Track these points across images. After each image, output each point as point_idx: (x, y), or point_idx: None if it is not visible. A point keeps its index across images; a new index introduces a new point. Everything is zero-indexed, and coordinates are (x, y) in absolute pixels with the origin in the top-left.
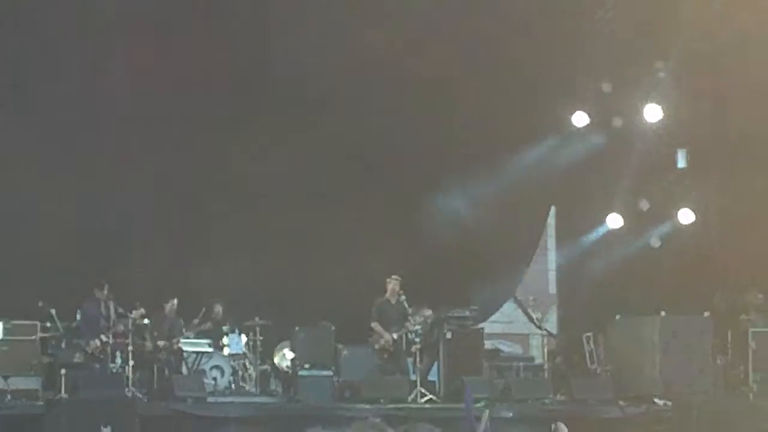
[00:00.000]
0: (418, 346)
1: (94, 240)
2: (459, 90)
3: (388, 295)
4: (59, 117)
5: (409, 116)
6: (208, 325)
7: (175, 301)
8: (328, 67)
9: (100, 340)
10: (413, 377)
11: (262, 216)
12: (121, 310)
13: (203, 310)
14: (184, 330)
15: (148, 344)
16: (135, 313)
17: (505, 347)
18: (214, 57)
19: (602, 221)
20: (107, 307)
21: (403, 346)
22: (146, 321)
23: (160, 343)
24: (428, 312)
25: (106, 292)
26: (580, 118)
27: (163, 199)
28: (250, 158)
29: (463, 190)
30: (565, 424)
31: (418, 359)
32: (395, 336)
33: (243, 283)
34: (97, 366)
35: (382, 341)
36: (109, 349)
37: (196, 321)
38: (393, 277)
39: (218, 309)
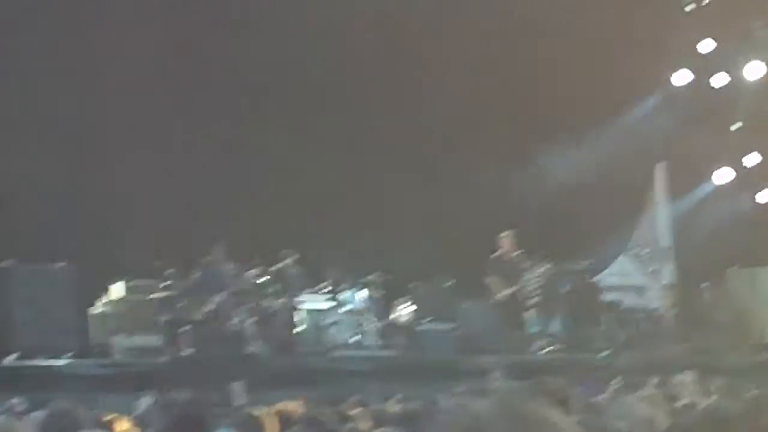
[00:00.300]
0: (537, 299)
1: (213, 198)
2: (565, 50)
3: (503, 250)
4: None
5: (521, 72)
6: (327, 282)
7: (296, 256)
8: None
9: (219, 298)
10: (533, 330)
11: (379, 169)
12: (240, 267)
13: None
14: (304, 287)
15: (268, 300)
16: (254, 270)
17: (632, 300)
18: None
19: (711, 176)
20: (226, 265)
21: (521, 299)
22: (266, 277)
23: (281, 299)
24: (546, 266)
25: (224, 249)
26: (682, 77)
27: (280, 157)
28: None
29: (575, 145)
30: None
31: (537, 312)
32: (511, 291)
33: (363, 238)
34: (218, 323)
35: (499, 295)
36: (228, 306)
37: (322, 283)
38: (507, 232)
39: (340, 267)
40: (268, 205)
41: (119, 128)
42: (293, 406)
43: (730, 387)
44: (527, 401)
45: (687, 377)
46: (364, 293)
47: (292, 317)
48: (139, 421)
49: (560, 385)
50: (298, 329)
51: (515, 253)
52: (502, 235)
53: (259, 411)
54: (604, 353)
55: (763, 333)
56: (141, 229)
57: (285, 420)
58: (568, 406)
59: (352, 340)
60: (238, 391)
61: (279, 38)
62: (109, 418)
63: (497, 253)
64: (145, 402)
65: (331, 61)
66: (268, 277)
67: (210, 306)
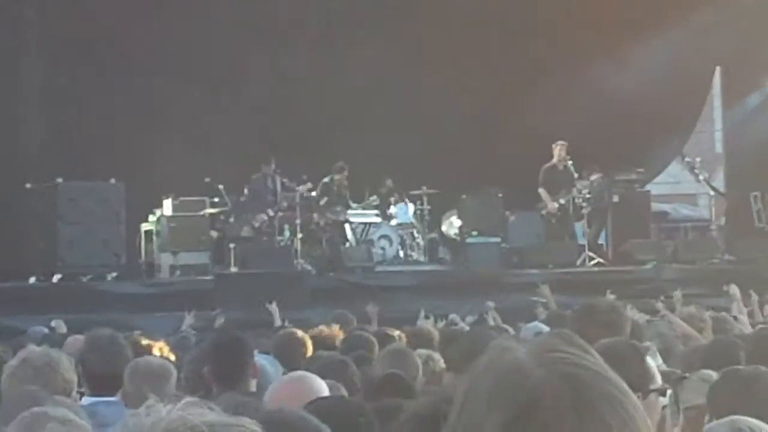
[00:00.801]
0: (587, 209)
1: (261, 115)
2: None
3: (554, 160)
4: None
5: None
6: (375, 199)
7: (346, 172)
8: None
9: (267, 215)
10: (582, 241)
11: (426, 85)
12: (288, 184)
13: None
14: (351, 202)
15: (316, 216)
16: (302, 187)
17: (681, 209)
18: None
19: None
20: (274, 182)
21: (570, 210)
22: (314, 193)
23: (329, 214)
24: (596, 175)
25: (273, 166)
26: None
27: (330, 77)
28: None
29: (628, 54)
30: (737, 285)
31: (586, 223)
32: (562, 201)
33: (410, 152)
34: (265, 239)
35: (549, 206)
36: (276, 223)
37: (370, 198)
38: (559, 142)
39: (388, 182)
40: (313, 121)
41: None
42: (330, 330)
43: None
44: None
45: (733, 290)
46: (412, 207)
47: (340, 232)
48: (175, 345)
49: (609, 305)
50: (347, 244)
51: (567, 163)
52: (553, 144)
53: (299, 332)
54: (650, 265)
55: None
56: (190, 147)
57: (323, 342)
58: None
59: (399, 254)
60: (274, 311)
61: None
62: (145, 342)
63: (549, 164)
64: (187, 322)
65: None
66: (316, 192)
67: (258, 222)
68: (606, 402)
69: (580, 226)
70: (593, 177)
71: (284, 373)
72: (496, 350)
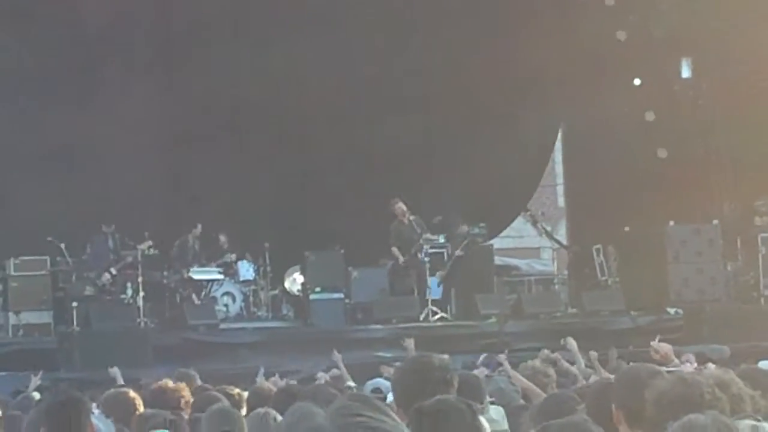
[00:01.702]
0: (428, 266)
1: (99, 174)
2: None
3: (398, 216)
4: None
5: None
6: (226, 256)
7: (200, 227)
8: None
9: (110, 273)
10: (436, 296)
11: (270, 141)
12: (130, 242)
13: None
14: (203, 260)
15: (158, 274)
16: (143, 245)
17: (534, 264)
18: None
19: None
20: (114, 240)
21: (426, 265)
22: (156, 251)
23: (172, 271)
24: (464, 228)
25: (113, 226)
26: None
27: (164, 131)
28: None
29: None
30: (576, 337)
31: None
32: (406, 257)
33: (252, 209)
34: (109, 298)
35: (393, 263)
36: (119, 281)
37: (223, 259)
38: (393, 200)
39: (223, 239)
40: (164, 181)
41: None
42: (174, 385)
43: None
44: (362, 411)
45: (572, 344)
46: (255, 263)
47: (183, 289)
48: (17, 406)
49: (445, 362)
50: (190, 301)
51: (410, 218)
52: (391, 201)
53: (130, 391)
54: (493, 319)
55: (652, 294)
56: (32, 207)
57: (166, 397)
58: (452, 386)
59: (242, 311)
60: (116, 374)
61: None
62: None
63: (395, 221)
64: (33, 383)
65: None
66: (157, 251)
67: (102, 281)
68: None
69: (423, 282)
70: (436, 235)
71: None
72: (297, 415)
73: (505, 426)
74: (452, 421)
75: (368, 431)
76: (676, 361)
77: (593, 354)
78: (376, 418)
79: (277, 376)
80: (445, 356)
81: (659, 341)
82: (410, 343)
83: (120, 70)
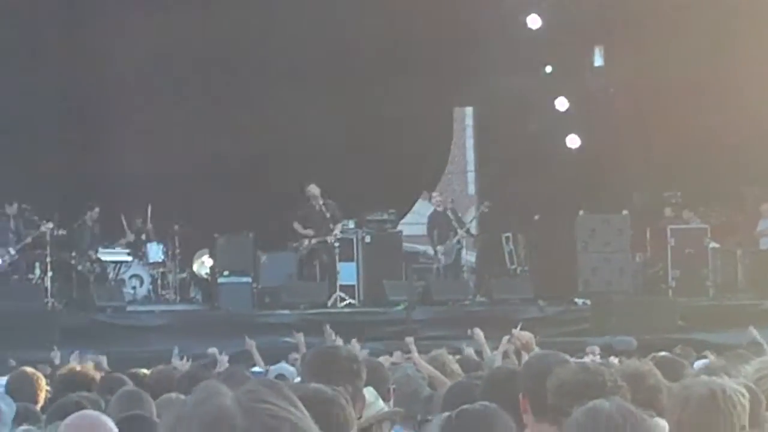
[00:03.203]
0: (337, 251)
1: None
2: None
3: (310, 200)
4: None
5: None
6: (129, 237)
7: (97, 209)
8: None
9: (8, 253)
10: (346, 282)
11: (179, 124)
12: (35, 219)
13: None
14: (102, 239)
15: (67, 254)
16: (46, 225)
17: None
18: None
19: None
20: (17, 221)
21: (321, 251)
22: (63, 231)
23: (83, 252)
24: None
25: (15, 207)
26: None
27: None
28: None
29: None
30: (484, 325)
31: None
32: (313, 241)
33: (161, 191)
34: (15, 278)
35: (302, 247)
36: (23, 261)
37: (122, 240)
38: (308, 184)
39: (138, 221)
40: (72, 157)
41: None
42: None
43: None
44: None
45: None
46: (163, 246)
47: (91, 270)
48: None
49: (352, 352)
50: (97, 282)
51: (322, 203)
52: (309, 186)
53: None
54: (401, 306)
55: (561, 283)
56: None
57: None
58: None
59: (150, 294)
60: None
61: None
62: None
63: (307, 203)
64: None
65: None
66: (66, 230)
67: (5, 259)
68: None
69: (347, 266)
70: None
71: (17, 412)
72: (204, 393)
73: (381, 405)
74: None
75: (273, 419)
76: (537, 350)
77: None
78: (282, 407)
79: (184, 359)
80: (354, 346)
81: (521, 329)
82: (328, 329)
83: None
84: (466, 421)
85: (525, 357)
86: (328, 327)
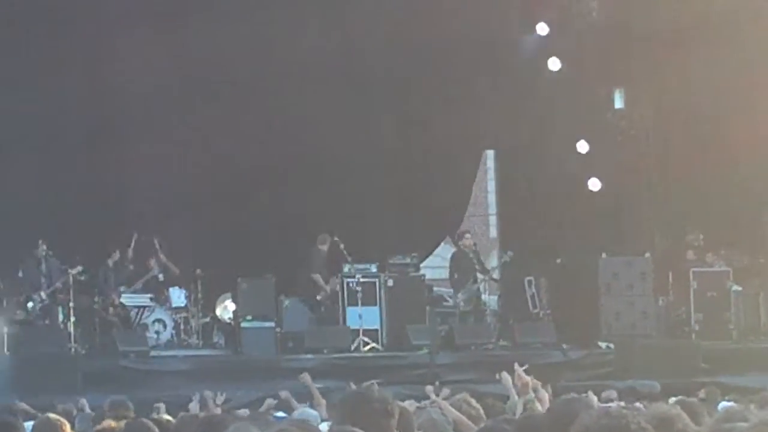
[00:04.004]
0: (360, 295)
1: (29, 197)
2: None
3: (325, 247)
4: None
5: None
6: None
7: (118, 253)
8: None
9: (40, 297)
10: (355, 326)
11: (196, 167)
12: (61, 266)
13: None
14: (126, 283)
15: (89, 300)
16: (74, 270)
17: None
18: None
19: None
20: (47, 263)
21: (344, 296)
22: (85, 276)
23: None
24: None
25: (44, 249)
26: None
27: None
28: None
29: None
30: (508, 370)
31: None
32: (334, 286)
33: (184, 236)
34: (40, 323)
35: (323, 293)
36: (50, 306)
37: (138, 284)
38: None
39: (153, 263)
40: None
41: None
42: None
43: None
44: None
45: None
46: (187, 290)
47: (114, 315)
48: None
49: (383, 394)
50: (120, 328)
51: (339, 247)
52: (320, 237)
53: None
54: (424, 350)
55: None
56: None
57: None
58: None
59: (173, 339)
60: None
61: None
62: None
63: (321, 250)
64: None
65: None
66: (88, 275)
67: (32, 305)
68: None
69: (370, 310)
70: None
71: None
72: None
73: None
74: None
75: None
76: (532, 394)
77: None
78: None
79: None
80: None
81: (524, 370)
82: (306, 377)
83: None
84: None
85: (536, 400)
86: (306, 375)
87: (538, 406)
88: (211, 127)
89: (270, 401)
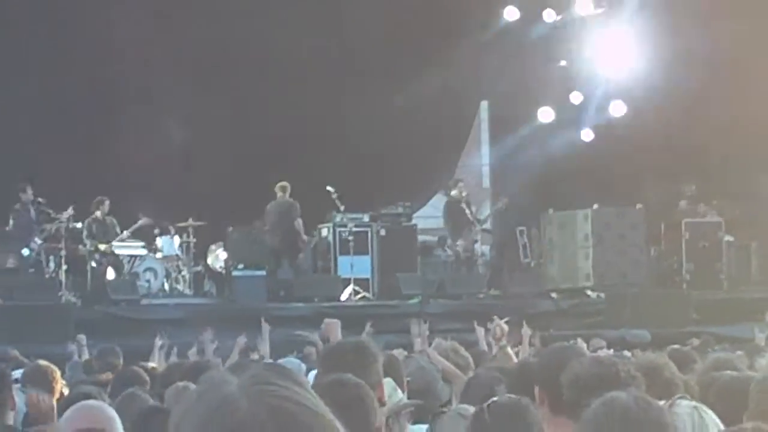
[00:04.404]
0: (351, 244)
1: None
2: None
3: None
4: None
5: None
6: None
7: (107, 201)
8: None
9: (35, 243)
10: (345, 275)
11: (192, 117)
12: (50, 212)
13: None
14: (117, 232)
15: (82, 248)
16: (64, 214)
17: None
18: None
19: (534, 115)
20: (37, 210)
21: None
22: (78, 225)
23: (98, 245)
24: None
25: (30, 194)
26: (510, 13)
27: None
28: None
29: (392, 84)
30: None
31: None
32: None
33: (176, 184)
34: (32, 271)
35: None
36: (42, 254)
37: (125, 233)
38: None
39: (144, 219)
40: (82, 153)
41: None
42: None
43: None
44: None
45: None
46: (177, 240)
47: (105, 264)
48: None
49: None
50: (111, 276)
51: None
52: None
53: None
54: (415, 299)
55: (575, 277)
56: None
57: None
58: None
59: (164, 287)
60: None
61: None
62: None
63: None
64: None
65: None
66: (81, 223)
67: (27, 252)
68: None
69: (361, 260)
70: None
71: None
72: (209, 383)
73: (400, 395)
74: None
75: (278, 400)
76: (504, 341)
77: (527, 330)
78: (287, 388)
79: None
80: (368, 330)
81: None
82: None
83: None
84: (498, 414)
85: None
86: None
87: (512, 355)
88: (204, 84)
89: (240, 339)
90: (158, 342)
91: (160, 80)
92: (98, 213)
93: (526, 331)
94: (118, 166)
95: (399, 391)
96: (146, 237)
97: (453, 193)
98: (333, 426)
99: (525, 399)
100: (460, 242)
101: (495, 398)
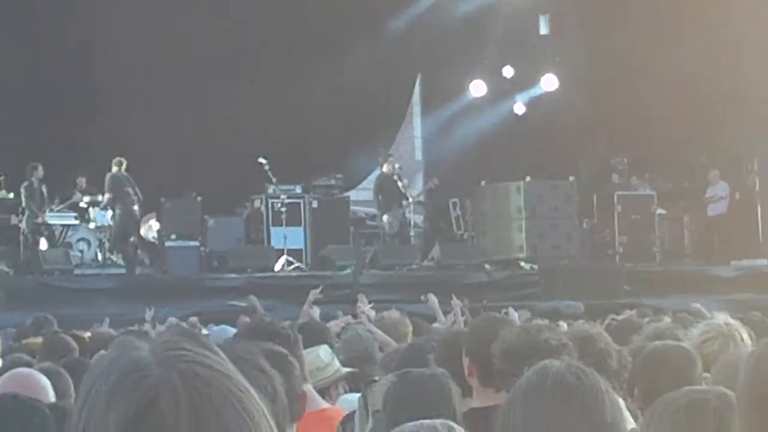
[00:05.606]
0: (284, 216)
1: None
2: None
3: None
4: None
5: None
6: (76, 196)
7: (41, 169)
8: None
9: None
10: (279, 246)
11: (133, 88)
12: None
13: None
14: (52, 201)
15: (14, 218)
16: None
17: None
18: None
19: (466, 88)
20: None
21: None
22: (11, 195)
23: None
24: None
25: None
26: None
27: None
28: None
29: (331, 57)
30: (432, 290)
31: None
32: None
33: (110, 154)
34: None
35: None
36: None
37: (57, 201)
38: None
39: (82, 180)
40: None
41: None
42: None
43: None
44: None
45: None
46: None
47: (37, 233)
48: None
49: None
50: (44, 246)
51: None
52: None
53: None
54: (348, 270)
55: (508, 248)
56: None
57: None
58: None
59: (97, 257)
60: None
61: None
62: None
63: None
64: None
65: None
66: (12, 193)
67: None
68: (224, 400)
69: (294, 231)
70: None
71: None
72: (120, 348)
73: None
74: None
75: (188, 364)
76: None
77: (456, 302)
78: (199, 353)
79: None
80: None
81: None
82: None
83: None
84: (407, 384)
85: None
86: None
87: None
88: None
89: (193, 319)
90: (149, 313)
91: (118, 49)
92: (33, 179)
93: (456, 302)
94: (52, 134)
95: (336, 360)
96: (80, 207)
97: (384, 167)
98: (246, 390)
99: (440, 370)
100: (386, 217)
101: (409, 369)
